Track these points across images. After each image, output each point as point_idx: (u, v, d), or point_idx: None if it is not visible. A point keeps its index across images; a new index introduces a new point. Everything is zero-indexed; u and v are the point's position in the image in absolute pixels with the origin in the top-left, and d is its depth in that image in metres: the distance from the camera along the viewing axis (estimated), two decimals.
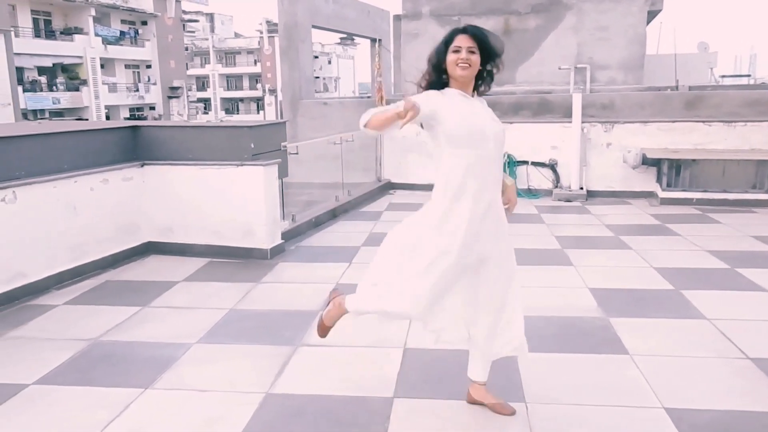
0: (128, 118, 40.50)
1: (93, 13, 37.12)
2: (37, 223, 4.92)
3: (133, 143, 6.06)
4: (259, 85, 65.47)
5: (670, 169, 8.23)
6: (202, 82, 60.71)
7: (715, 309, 4.35)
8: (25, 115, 33.12)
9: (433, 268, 2.66)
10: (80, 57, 36.40)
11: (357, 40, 74.07)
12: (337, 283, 5.02)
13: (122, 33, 39.90)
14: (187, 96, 46.33)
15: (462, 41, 2.67)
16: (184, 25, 47.15)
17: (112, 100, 38.64)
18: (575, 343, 3.83)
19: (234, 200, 5.83)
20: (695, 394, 3.15)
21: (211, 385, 3.33)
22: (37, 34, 35.18)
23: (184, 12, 51.71)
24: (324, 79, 64.13)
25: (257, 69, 65.27)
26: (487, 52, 2.72)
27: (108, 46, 38.21)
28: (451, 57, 2.68)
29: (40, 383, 3.39)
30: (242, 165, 5.77)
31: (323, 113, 10.33)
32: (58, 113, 35.72)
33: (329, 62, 67.10)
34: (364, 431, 2.87)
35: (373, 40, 13.63)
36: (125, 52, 40.03)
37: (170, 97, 42.85)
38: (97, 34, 37.44)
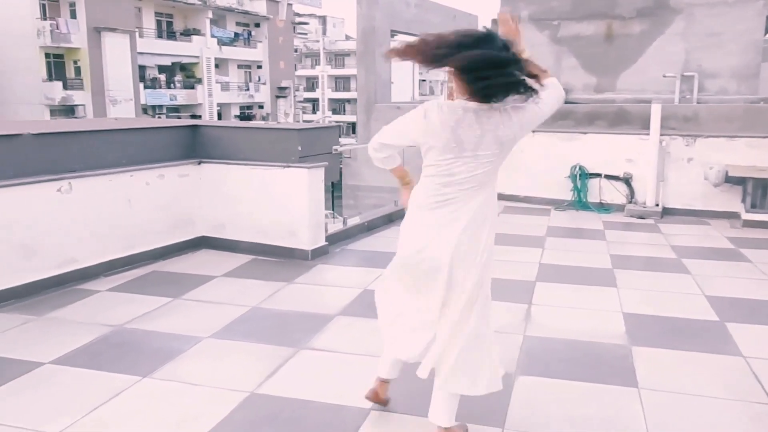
0: (238, 116, 42.55)
1: (210, 15, 39.24)
2: (91, 212, 5.27)
3: (193, 141, 6.36)
4: None
5: (756, 189, 7.58)
6: (312, 83, 62.62)
7: (756, 346, 3.97)
8: (145, 110, 35.59)
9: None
10: (197, 57, 38.59)
11: None
12: (364, 289, 5.03)
13: (236, 34, 41.90)
14: (294, 96, 47.88)
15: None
16: (295, 27, 48.80)
17: (224, 98, 40.63)
18: (583, 371, 3.62)
19: (279, 201, 5.98)
20: None
21: (202, 380, 3.44)
22: (159, 35, 37.66)
23: (298, 14, 53.59)
24: (430, 82, 64.16)
25: None
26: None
27: (222, 47, 40.26)
28: None
29: (55, 363, 3.63)
30: (288, 167, 5.91)
31: (396, 117, 10.36)
32: (174, 109, 38.07)
33: None
34: None
35: None
36: (238, 52, 41.99)
37: (278, 97, 44.49)
38: (213, 36, 39.56)
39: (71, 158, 5.16)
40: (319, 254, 6.05)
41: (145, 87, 35.72)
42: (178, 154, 6.19)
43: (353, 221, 7.05)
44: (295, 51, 50.29)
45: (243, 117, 42.98)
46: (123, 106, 33.03)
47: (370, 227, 7.24)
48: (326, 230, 6.45)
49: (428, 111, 2.53)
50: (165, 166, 5.96)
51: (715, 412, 3.16)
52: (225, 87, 40.95)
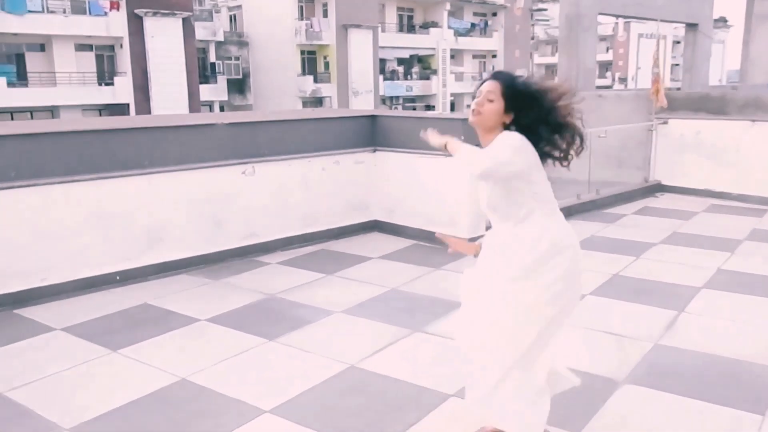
0: (469, 106, 43.16)
1: (448, 7, 40.31)
2: (272, 193, 5.97)
3: (371, 130, 6.79)
4: (608, 74, 63.22)
5: None
6: (552, 71, 60.98)
7: None
8: (383, 100, 37.95)
9: None
10: (433, 49, 39.97)
11: (730, 21, 65.42)
12: None
13: (472, 25, 42.46)
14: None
15: (485, 86, 2.49)
16: (532, 14, 47.88)
17: (458, 88, 41.53)
18: (706, 389, 3.25)
19: (441, 189, 6.09)
20: None
21: (316, 349, 3.79)
22: (400, 29, 39.74)
23: (541, 0, 52.51)
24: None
25: (608, 56, 62.94)
26: (516, 99, 2.41)
27: (458, 38, 41.12)
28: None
29: (209, 320, 4.27)
30: (450, 155, 6.02)
31: (598, 106, 9.79)
32: (410, 100, 39.98)
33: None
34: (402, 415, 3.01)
35: (690, 26, 12.21)
36: (474, 43, 42.54)
37: None
38: (449, 27, 40.61)
39: (257, 145, 5.88)
40: None
41: (385, 79, 38.01)
42: (355, 142, 6.66)
43: None
44: (532, 38, 49.33)
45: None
46: (363, 97, 35.59)
47: None
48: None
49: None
50: (341, 153, 6.47)
51: None
52: (459, 77, 41.82)
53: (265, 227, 5.94)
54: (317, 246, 6.17)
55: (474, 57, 43.70)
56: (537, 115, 2.43)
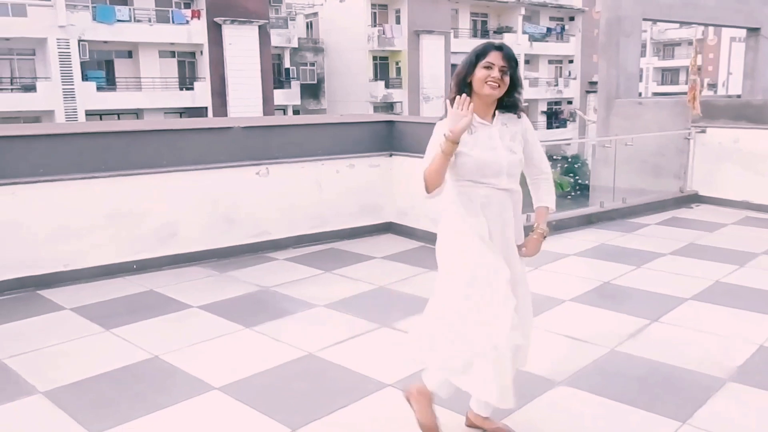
0: (545, 112, 42.55)
1: (523, 12, 39.90)
2: (285, 194, 6.31)
3: (389, 135, 7.02)
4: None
5: None
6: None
7: None
8: None
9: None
10: None
11: None
12: None
13: (548, 29, 41.83)
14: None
15: (495, 58, 2.53)
16: None
17: (532, 94, 40.97)
18: (639, 395, 3.30)
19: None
20: None
21: (282, 338, 4.07)
22: (474, 35, 39.67)
23: None
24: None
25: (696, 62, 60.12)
26: (515, 78, 2.58)
27: (533, 43, 40.61)
28: (480, 73, 2.53)
29: (200, 308, 4.64)
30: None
31: (637, 113, 9.62)
32: None
33: None
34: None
35: (751, 30, 11.71)
36: (549, 48, 41.90)
37: (588, 92, 43.14)
38: (524, 32, 40.18)
39: (271, 147, 6.25)
40: None
41: None
42: (372, 147, 6.92)
43: None
44: None
45: (550, 114, 42.83)
46: (434, 102, 35.78)
47: (558, 227, 7.05)
48: None
49: None
50: (356, 157, 6.74)
51: None
52: (533, 83, 41.26)
53: (276, 226, 6.29)
54: (328, 245, 6.46)
55: (550, 62, 43.02)
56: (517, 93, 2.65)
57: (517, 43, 39.72)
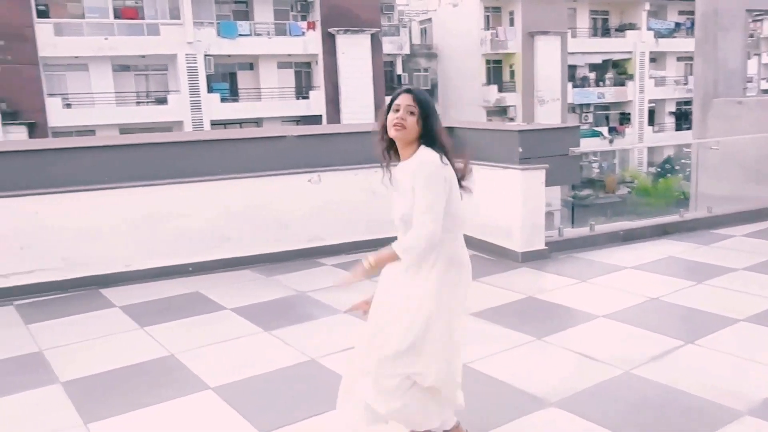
0: (673, 113, 39.93)
1: (648, 7, 37.71)
2: (337, 200, 6.43)
3: None
4: None
5: None
6: None
7: None
8: (572, 109, 36.63)
9: None
10: (630, 52, 37.65)
11: None
12: (529, 296, 4.93)
13: (677, 25, 39.23)
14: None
15: (402, 100, 2.59)
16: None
17: (658, 93, 38.66)
18: (631, 421, 3.06)
19: (497, 200, 6.14)
20: None
21: (294, 342, 4.17)
22: (594, 33, 38.04)
23: None
24: None
25: None
26: (428, 116, 2.58)
27: (659, 40, 38.26)
28: (390, 116, 2.60)
29: (232, 310, 4.85)
30: (506, 168, 6.03)
31: (738, 114, 8.78)
32: (603, 107, 38.07)
33: None
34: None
35: None
36: (678, 44, 39.22)
37: None
38: (649, 28, 37.95)
39: (324, 155, 6.40)
40: (532, 257, 5.99)
41: (574, 86, 36.65)
42: None
43: (601, 229, 6.60)
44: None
45: (679, 114, 40.16)
46: (549, 105, 34.71)
47: (627, 237, 6.63)
48: (560, 233, 6.35)
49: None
50: None
51: None
52: (660, 82, 38.88)
53: (330, 232, 6.43)
54: None
55: (678, 59, 40.29)
56: (437, 122, 2.61)
57: (641, 40, 37.64)
